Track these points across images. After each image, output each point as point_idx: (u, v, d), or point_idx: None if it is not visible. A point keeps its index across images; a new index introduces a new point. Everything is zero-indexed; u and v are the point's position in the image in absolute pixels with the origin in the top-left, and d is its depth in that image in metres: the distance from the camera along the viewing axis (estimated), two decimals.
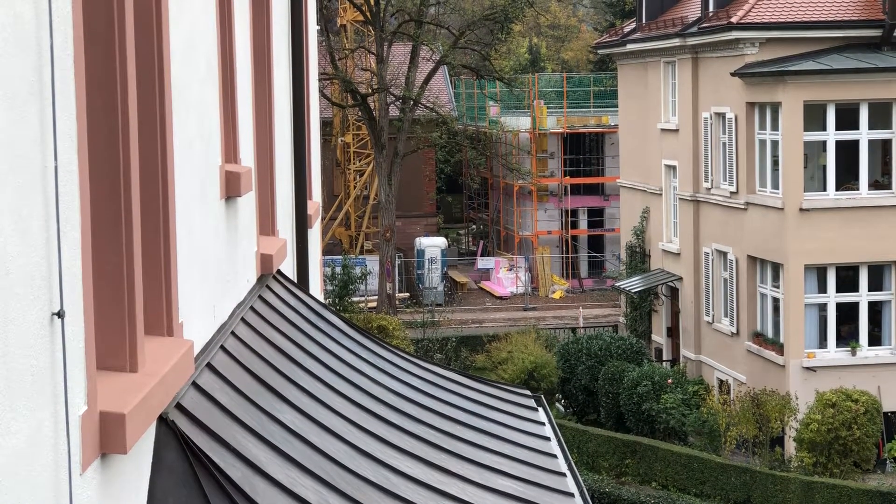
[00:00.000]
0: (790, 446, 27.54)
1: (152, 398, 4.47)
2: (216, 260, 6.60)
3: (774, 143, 29.69)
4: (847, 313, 29.41)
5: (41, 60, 3.68)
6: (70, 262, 3.89)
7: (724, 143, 32.11)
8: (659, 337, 37.27)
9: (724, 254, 32.36)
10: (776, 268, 29.82)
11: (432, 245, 51.21)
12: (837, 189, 29.27)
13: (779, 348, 29.25)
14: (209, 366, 6.01)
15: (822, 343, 29.28)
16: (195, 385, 5.61)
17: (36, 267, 3.62)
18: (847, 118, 29.26)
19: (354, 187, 54.01)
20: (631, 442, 27.70)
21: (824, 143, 29.36)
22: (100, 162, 4.39)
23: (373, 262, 47.36)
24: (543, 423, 8.87)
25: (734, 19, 30.54)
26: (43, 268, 3.68)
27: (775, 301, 29.97)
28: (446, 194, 66.16)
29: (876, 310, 29.63)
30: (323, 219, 41.85)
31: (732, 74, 30.68)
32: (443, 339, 36.99)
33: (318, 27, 18.55)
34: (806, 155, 29.39)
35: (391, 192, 46.65)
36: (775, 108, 29.55)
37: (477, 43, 51.19)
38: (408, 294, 50.87)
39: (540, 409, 9.34)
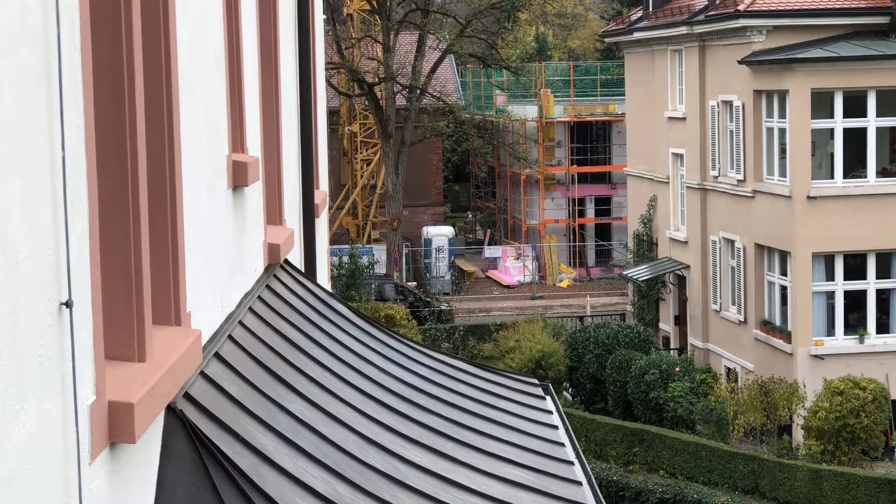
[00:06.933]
0: (798, 434, 27.52)
1: (161, 388, 4.48)
2: (224, 249, 6.61)
3: (782, 131, 29.64)
4: (855, 301, 29.38)
5: (48, 50, 3.68)
6: (78, 252, 3.90)
7: (731, 131, 32.06)
8: (666, 325, 37.26)
9: (732, 242, 32.32)
10: (784, 256, 29.79)
11: (439, 234, 51.20)
12: (845, 177, 29.22)
13: (786, 336, 29.22)
14: (217, 355, 6.01)
15: (830, 331, 29.25)
16: (203, 374, 5.62)
17: (44, 257, 3.63)
18: (855, 105, 29.19)
19: (361, 176, 54.00)
20: (639, 430, 27.71)
21: (832, 130, 29.30)
22: (107, 152, 4.39)
23: (380, 252, 47.36)
24: (551, 412, 8.87)
25: (741, 7, 30.47)
26: (51, 258, 3.68)
27: (783, 289, 29.95)
28: (453, 183, 66.11)
29: (884, 297, 29.60)
30: (330, 208, 41.84)
31: (740, 62, 30.61)
32: (450, 328, 37.02)
33: (324, 16, 18.56)
34: (813, 143, 29.35)
35: (398, 182, 46.64)
36: (783, 95, 29.48)
37: (483, 32, 51.15)
38: (415, 283, 50.89)
39: (547, 397, 9.34)
